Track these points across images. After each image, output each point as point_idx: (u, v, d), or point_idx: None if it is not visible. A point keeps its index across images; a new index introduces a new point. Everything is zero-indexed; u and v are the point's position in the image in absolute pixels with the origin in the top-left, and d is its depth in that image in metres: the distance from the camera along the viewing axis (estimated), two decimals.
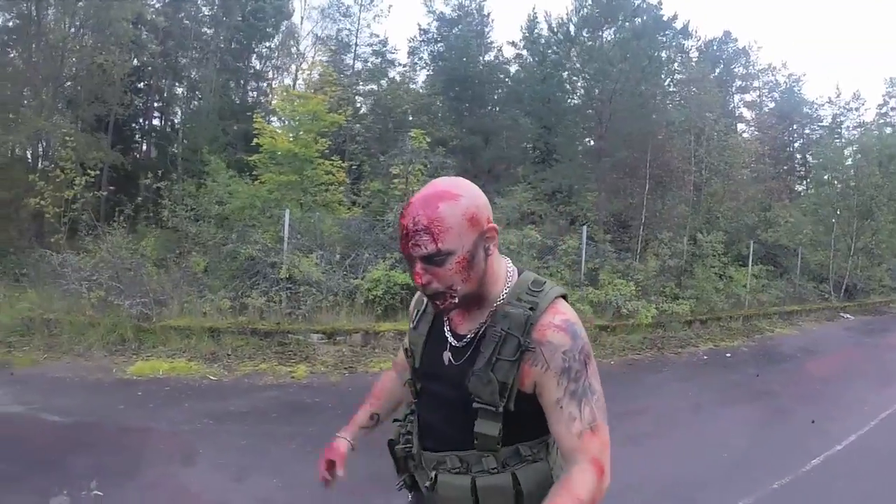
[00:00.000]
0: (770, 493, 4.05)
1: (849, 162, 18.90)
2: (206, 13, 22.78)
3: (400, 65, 26.42)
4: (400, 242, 1.33)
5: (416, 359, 1.53)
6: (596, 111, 16.55)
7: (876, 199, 16.96)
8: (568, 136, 18.79)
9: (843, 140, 24.50)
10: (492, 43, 24.48)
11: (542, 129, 19.81)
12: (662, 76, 17.36)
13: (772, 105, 31.79)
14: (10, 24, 16.82)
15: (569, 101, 20.18)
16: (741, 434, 5.31)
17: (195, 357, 7.02)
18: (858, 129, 28.24)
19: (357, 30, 25.67)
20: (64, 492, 3.67)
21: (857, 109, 30.76)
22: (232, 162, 12.48)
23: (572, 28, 19.82)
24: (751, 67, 32.21)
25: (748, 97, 32.70)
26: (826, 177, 19.53)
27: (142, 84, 21.50)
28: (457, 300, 1.32)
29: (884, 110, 31.10)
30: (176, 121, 23.94)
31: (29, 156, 17.62)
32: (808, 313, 14.26)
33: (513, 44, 24.97)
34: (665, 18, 20.92)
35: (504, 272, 1.41)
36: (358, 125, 14.10)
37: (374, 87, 23.82)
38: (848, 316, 15.44)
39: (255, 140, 11.52)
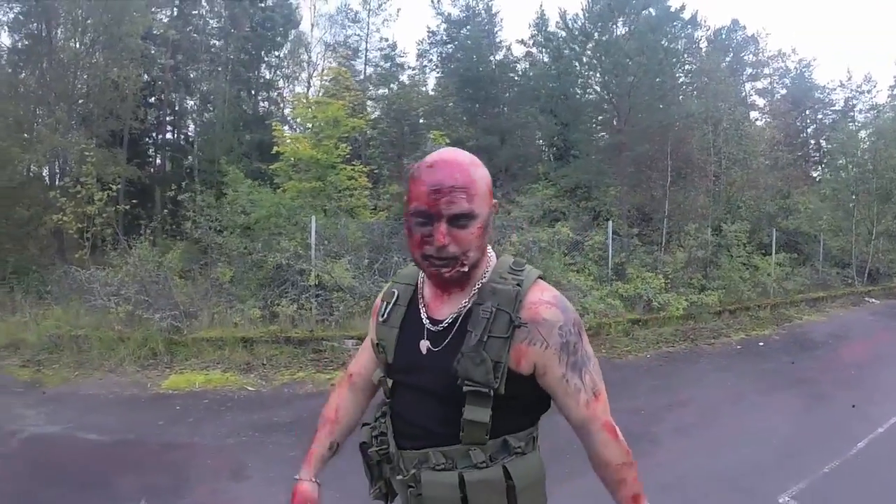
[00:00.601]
0: (821, 476, 4.14)
1: (864, 145, 18.68)
2: (214, 25, 22.86)
3: (409, 68, 26.49)
4: (423, 198, 1.25)
5: (390, 353, 1.43)
6: (614, 105, 16.40)
7: (895, 181, 16.75)
8: (586, 132, 18.70)
9: (857, 123, 24.28)
10: (501, 42, 24.40)
11: (560, 126, 19.69)
12: (677, 68, 17.20)
13: (783, 91, 31.53)
14: (20, 44, 16.92)
15: (586, 96, 20.01)
16: (785, 421, 5.38)
17: (230, 368, 6.91)
18: (872, 112, 28.08)
19: (367, 35, 25.83)
20: None
21: (868, 92, 30.58)
22: (249, 171, 12.43)
23: (587, 24, 19.64)
24: (760, 55, 31.93)
25: (759, 84, 32.44)
26: (841, 161, 19.33)
27: (153, 98, 21.48)
28: (466, 268, 1.28)
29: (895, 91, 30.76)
30: (188, 133, 24.14)
31: (46, 174, 17.72)
32: (834, 299, 14.10)
33: (522, 42, 24.73)
34: (673, 9, 20.76)
35: (488, 253, 1.39)
36: (374, 130, 14.02)
37: (385, 91, 23.83)
38: (873, 300, 15.22)
39: (275, 148, 11.48)
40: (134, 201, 11.71)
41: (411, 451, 1.36)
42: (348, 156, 11.76)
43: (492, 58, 22.43)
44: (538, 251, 9.57)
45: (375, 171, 14.17)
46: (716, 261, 12.50)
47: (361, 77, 23.98)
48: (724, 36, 29.82)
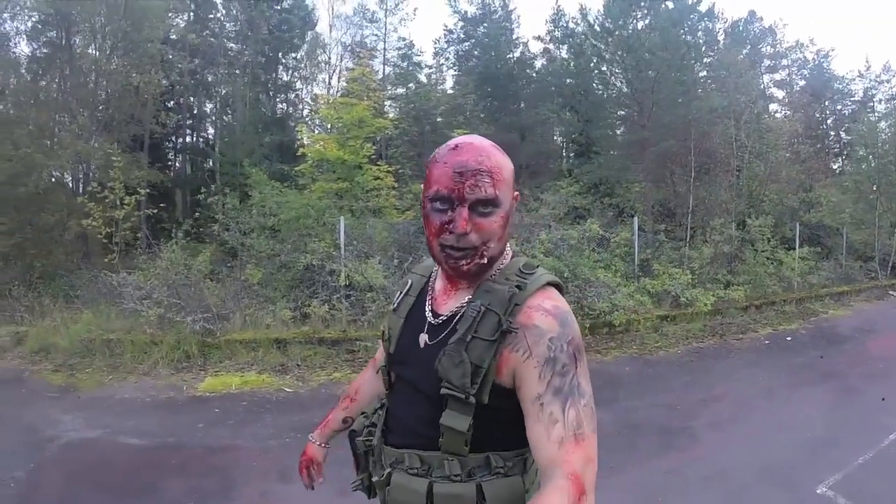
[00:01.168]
0: (857, 468, 4.20)
1: (885, 136, 18.42)
2: (231, 28, 22.98)
3: (426, 67, 26.56)
4: (445, 180, 1.16)
5: (392, 344, 1.37)
6: (637, 101, 16.29)
7: None
8: (607, 128, 18.61)
9: (878, 114, 23.95)
10: (518, 39, 24.34)
11: (582, 123, 19.61)
12: (698, 62, 17.07)
13: (802, 83, 31.16)
14: (39, 53, 17.08)
15: (608, 92, 19.92)
16: (817, 414, 5.42)
17: (265, 370, 6.88)
18: (892, 102, 27.72)
19: (385, 34, 26.01)
20: None
21: (888, 81, 30.04)
22: (271, 173, 12.47)
23: (606, 19, 19.55)
24: (778, 46, 31.56)
25: (777, 76, 32.11)
26: (862, 153, 19.08)
27: (171, 103, 21.63)
28: (485, 261, 1.20)
29: None
30: (207, 136, 24.31)
31: (69, 180, 17.88)
32: (858, 293, 13.89)
33: (539, 38, 24.70)
34: (690, 2, 20.62)
35: (507, 251, 1.32)
36: (395, 129, 14.01)
37: (403, 90, 23.85)
38: None
39: (300, 149, 11.52)
40: (162, 205, 11.81)
41: (392, 449, 1.31)
42: (374, 156, 11.77)
43: (510, 55, 22.36)
44: (567, 249, 9.52)
45: (399, 171, 14.19)
46: (740, 256, 12.41)
47: (380, 77, 24.00)
48: (741, 28, 29.55)
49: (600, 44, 18.56)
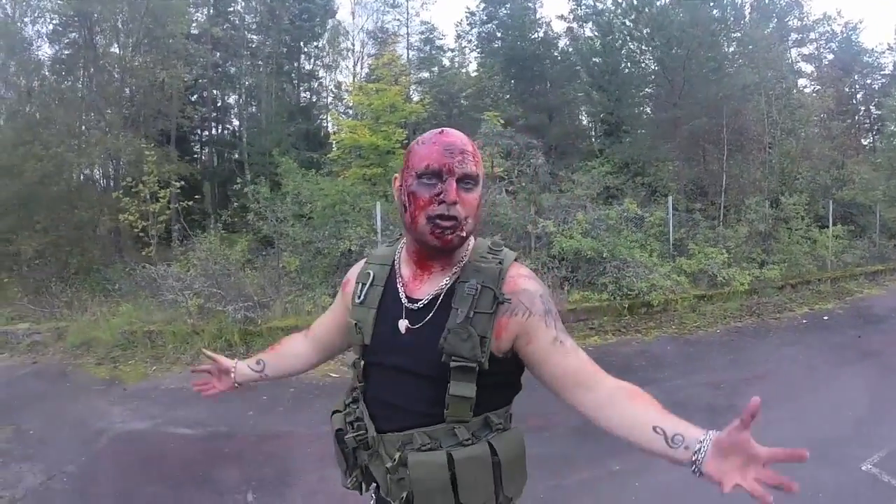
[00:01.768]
0: None
1: None
2: (251, 20, 23.00)
3: (449, 50, 26.39)
4: (435, 156, 1.28)
5: (367, 334, 1.42)
6: (668, 79, 16.03)
7: None
8: (637, 107, 18.38)
9: None
10: (540, 18, 23.84)
11: (612, 102, 19.36)
12: (727, 38, 16.71)
13: (830, 57, 30.39)
14: (61, 54, 17.25)
15: (638, 69, 19.63)
16: (859, 393, 5.43)
17: None
18: None
19: (407, 19, 25.82)
20: None
21: None
22: (301, 161, 12.48)
23: None
24: (805, 19, 30.74)
25: (805, 50, 31.30)
26: (893, 128, 18.63)
27: (195, 97, 21.72)
28: (465, 234, 1.31)
29: None
30: (233, 128, 24.44)
31: (99, 177, 18.13)
32: (893, 272, 13.58)
33: (562, 17, 24.27)
34: None
35: None
36: (425, 113, 13.96)
37: (426, 74, 23.79)
38: None
39: (332, 136, 11.54)
40: (197, 196, 11.92)
41: (393, 434, 1.35)
42: (405, 140, 11.76)
43: (534, 35, 22.09)
44: (606, 228, 9.45)
45: None
46: (775, 234, 12.23)
47: (403, 61, 23.86)
48: (766, 1, 28.87)
49: (630, 21, 18.23)
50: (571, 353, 1.31)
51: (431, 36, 25.92)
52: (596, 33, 21.60)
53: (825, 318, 9.23)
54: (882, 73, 29.46)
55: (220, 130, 24.71)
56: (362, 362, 1.45)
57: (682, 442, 1.14)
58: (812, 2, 34.13)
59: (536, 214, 9.61)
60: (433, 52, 25.52)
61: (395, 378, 1.36)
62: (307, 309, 7.78)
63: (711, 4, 16.43)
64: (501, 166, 10.63)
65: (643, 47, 18.36)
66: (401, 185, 1.36)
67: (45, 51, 17.12)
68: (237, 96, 24.09)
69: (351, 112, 18.86)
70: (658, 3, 17.69)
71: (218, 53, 21.22)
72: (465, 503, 1.27)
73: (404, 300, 1.38)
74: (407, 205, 1.32)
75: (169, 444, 4.74)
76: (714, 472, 1.08)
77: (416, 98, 19.19)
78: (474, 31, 25.12)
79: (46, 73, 16.26)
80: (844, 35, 30.01)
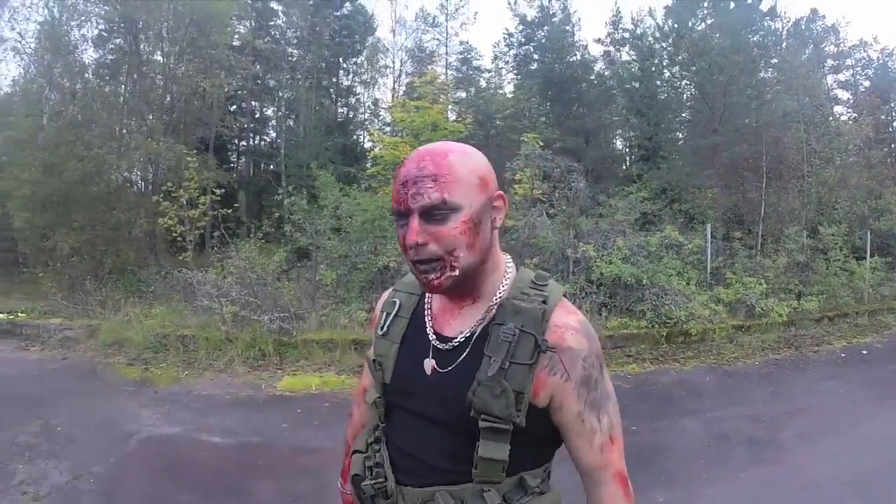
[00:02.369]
0: None
1: None
2: (292, 35, 23.35)
3: (486, 70, 26.49)
4: (394, 196, 1.13)
5: (387, 372, 1.26)
6: (708, 105, 15.94)
7: None
8: (675, 132, 18.27)
9: None
10: (577, 42, 23.87)
11: (651, 127, 19.30)
12: (766, 64, 16.61)
13: (867, 83, 29.97)
14: (104, 59, 17.64)
15: (678, 95, 19.57)
16: None
17: (343, 371, 6.81)
18: None
19: (446, 38, 26.02)
20: None
21: None
22: (338, 175, 12.59)
23: (670, 21, 19.21)
24: (841, 45, 30.42)
25: (841, 77, 30.92)
26: None
27: (233, 107, 22.15)
28: (457, 273, 1.11)
29: None
30: (269, 139, 24.80)
31: (137, 180, 18.46)
32: None
33: (599, 41, 24.21)
34: (749, 1, 20.09)
35: (504, 264, 1.25)
36: (464, 133, 14.02)
37: (463, 94, 23.89)
38: None
39: (373, 152, 11.61)
40: (235, 205, 12.05)
41: (414, 490, 1.18)
42: None
43: (571, 58, 22.13)
44: (646, 255, 9.36)
45: None
46: (812, 265, 12.02)
47: (442, 80, 24.10)
48: (803, 27, 28.63)
49: (668, 46, 18.21)
50: (587, 434, 1.15)
51: (469, 56, 26.15)
52: (634, 58, 21.60)
53: (864, 351, 9.01)
54: None
55: (257, 141, 25.11)
56: (384, 402, 1.29)
57: None
58: (848, 27, 33.60)
59: (575, 238, 9.53)
60: (470, 72, 25.69)
61: (419, 425, 1.20)
62: (342, 323, 7.76)
63: (751, 30, 16.38)
64: (540, 188, 10.56)
65: (683, 72, 18.29)
66: None
67: (90, 55, 17.49)
68: (275, 108, 24.48)
69: (388, 129, 19.02)
70: (698, 28, 17.68)
71: (258, 66, 21.56)
72: None
73: (432, 337, 1.21)
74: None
75: (200, 451, 4.69)
76: None
77: (451, 117, 19.46)
78: (511, 52, 25.20)
79: (90, 77, 16.60)
80: (881, 61, 29.57)
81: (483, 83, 25.16)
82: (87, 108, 14.65)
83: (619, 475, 1.17)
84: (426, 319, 1.25)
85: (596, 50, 24.35)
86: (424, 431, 1.19)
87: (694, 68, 16.76)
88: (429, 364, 1.19)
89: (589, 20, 36.60)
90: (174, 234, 9.28)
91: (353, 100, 26.24)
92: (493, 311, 1.17)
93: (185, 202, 9.11)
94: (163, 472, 4.35)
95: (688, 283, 9.43)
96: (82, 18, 16.09)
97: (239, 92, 20.70)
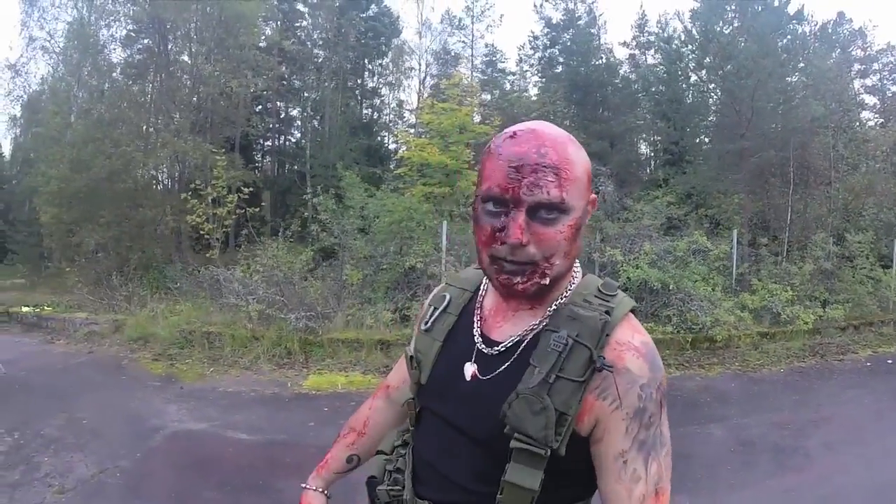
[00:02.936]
0: None
1: None
2: (318, 36, 23.51)
3: (511, 73, 26.47)
4: (495, 177, 0.93)
5: (424, 372, 1.10)
6: (735, 109, 15.80)
7: None
8: (700, 136, 18.10)
9: None
10: (602, 45, 23.86)
11: (678, 131, 19.18)
12: (794, 69, 16.43)
13: (894, 88, 29.47)
14: (132, 59, 17.89)
15: (702, 99, 19.43)
16: None
17: (368, 370, 6.82)
18: None
19: (472, 41, 26.02)
20: None
21: None
22: (363, 176, 12.67)
23: (695, 25, 19.06)
24: (869, 49, 29.97)
25: (868, 81, 30.47)
26: None
27: (259, 107, 22.32)
28: (547, 281, 0.95)
29: None
30: (294, 139, 24.96)
31: (164, 177, 18.72)
32: None
33: (625, 44, 24.25)
34: (777, 3, 19.88)
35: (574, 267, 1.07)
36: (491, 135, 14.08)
37: (488, 96, 23.84)
38: None
39: (401, 153, 11.66)
40: (263, 204, 12.17)
41: None
42: (471, 161, 11.84)
43: (596, 61, 22.07)
44: (673, 261, 9.31)
45: None
46: (838, 273, 11.86)
47: (468, 82, 24.19)
48: (830, 30, 28.24)
49: (695, 49, 18.07)
50: (628, 480, 0.92)
51: (494, 59, 26.17)
52: (660, 61, 21.48)
53: (889, 361, 8.85)
54: None
55: (282, 141, 25.28)
56: (416, 405, 1.16)
57: None
58: (875, 31, 33.02)
59: (602, 242, 9.49)
60: (495, 74, 25.67)
61: (449, 435, 1.05)
62: (368, 323, 7.77)
63: (779, 34, 16.20)
64: None
65: (710, 76, 18.15)
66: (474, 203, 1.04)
67: (118, 54, 17.75)
68: (301, 109, 24.59)
69: (413, 130, 19.07)
70: (725, 32, 17.52)
71: (285, 67, 21.69)
72: None
73: (478, 339, 1.06)
74: (474, 233, 1.02)
75: (226, 447, 4.69)
76: None
77: (476, 119, 19.46)
78: (537, 55, 25.14)
79: (118, 76, 16.86)
80: None
81: (508, 86, 25.17)
82: (114, 107, 14.88)
83: None
84: (475, 319, 1.10)
85: (621, 53, 24.31)
86: (453, 443, 1.04)
87: (721, 72, 16.58)
88: (469, 369, 1.04)
89: (614, 23, 36.52)
90: (201, 232, 9.36)
91: (378, 101, 26.39)
92: (549, 316, 1.00)
93: (212, 200, 9.21)
94: (189, 468, 4.35)
95: (713, 289, 9.35)
96: (111, 18, 16.36)
97: (265, 92, 20.79)
